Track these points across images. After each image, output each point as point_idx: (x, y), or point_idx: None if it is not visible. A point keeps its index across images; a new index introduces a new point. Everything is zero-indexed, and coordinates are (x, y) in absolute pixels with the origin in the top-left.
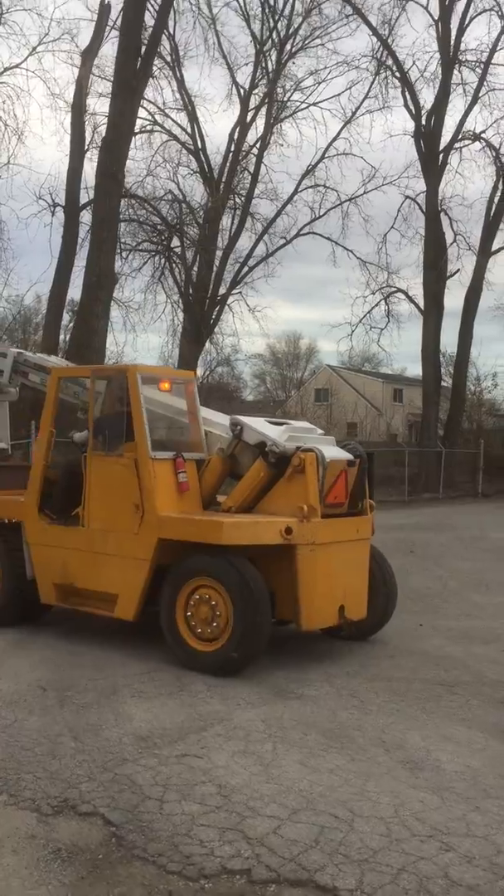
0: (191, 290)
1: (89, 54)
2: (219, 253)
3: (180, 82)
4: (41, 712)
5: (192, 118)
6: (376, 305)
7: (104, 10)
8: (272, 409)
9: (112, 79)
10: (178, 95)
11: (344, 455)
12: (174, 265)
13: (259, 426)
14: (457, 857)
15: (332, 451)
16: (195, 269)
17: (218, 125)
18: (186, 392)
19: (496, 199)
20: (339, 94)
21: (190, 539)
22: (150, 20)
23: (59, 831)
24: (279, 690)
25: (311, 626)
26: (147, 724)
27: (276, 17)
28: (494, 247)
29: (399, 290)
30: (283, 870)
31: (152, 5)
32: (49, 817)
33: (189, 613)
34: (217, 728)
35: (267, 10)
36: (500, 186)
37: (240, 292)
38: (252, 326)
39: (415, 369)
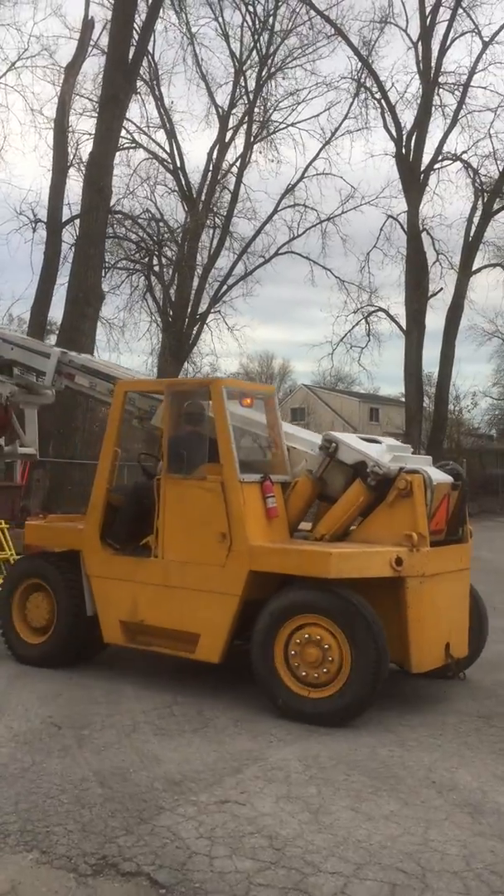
0: (170, 309)
1: (72, 69)
2: (198, 271)
3: (159, 100)
4: (60, 754)
5: (171, 136)
6: (357, 324)
7: (87, 26)
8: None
9: (92, 95)
10: (157, 113)
11: (446, 477)
12: (153, 284)
13: (357, 444)
14: None
15: (436, 473)
16: (174, 287)
17: (197, 143)
18: (267, 407)
19: (475, 220)
20: (318, 115)
21: (289, 572)
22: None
23: (103, 895)
24: (308, 725)
25: (423, 667)
26: (177, 766)
27: (256, 37)
28: (475, 266)
29: (380, 308)
30: None
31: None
32: (89, 878)
33: (293, 653)
34: (253, 769)
35: (246, 30)
36: (479, 207)
37: (219, 311)
38: (230, 346)
39: (388, 389)
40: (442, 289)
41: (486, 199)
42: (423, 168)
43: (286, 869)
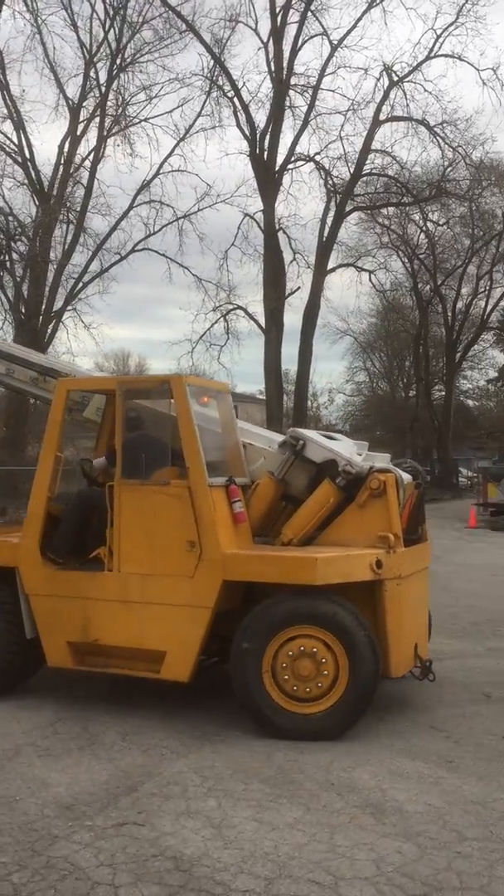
0: (23, 307)
1: None
2: (53, 267)
3: (6, 89)
4: None
5: (20, 127)
6: (216, 322)
7: None
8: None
9: None
10: (3, 103)
11: (408, 476)
12: (5, 280)
13: (325, 441)
14: None
15: (402, 473)
16: (27, 284)
17: (49, 135)
18: (222, 404)
19: (328, 220)
20: (171, 111)
21: (271, 580)
22: None
23: None
24: (200, 733)
25: (400, 671)
26: (66, 788)
27: (107, 29)
28: (329, 266)
29: (239, 307)
30: None
31: None
32: None
33: (283, 666)
34: (148, 786)
35: (97, 22)
36: (332, 208)
37: (74, 308)
38: (87, 345)
39: (245, 386)
40: (300, 287)
41: (338, 200)
42: (277, 168)
43: (195, 891)
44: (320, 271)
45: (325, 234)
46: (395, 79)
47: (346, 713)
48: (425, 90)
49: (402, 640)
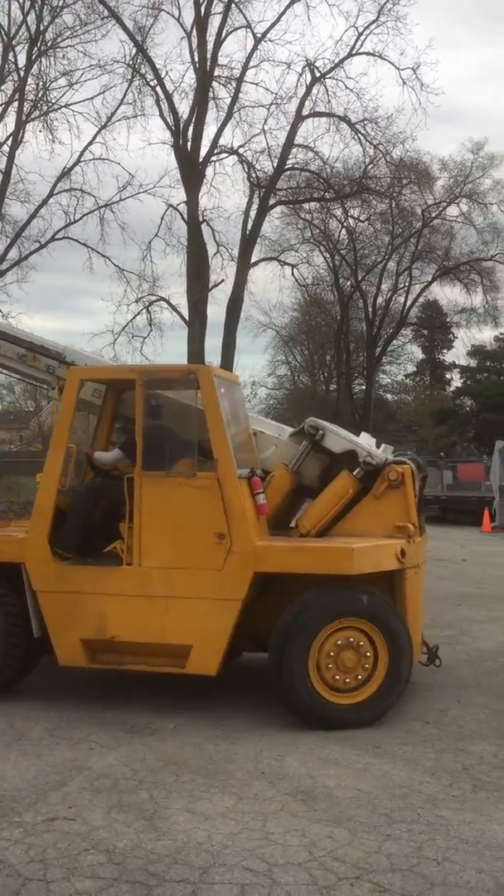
0: None
1: None
2: None
3: None
4: None
5: None
6: (139, 314)
7: None
8: (25, 420)
9: None
10: None
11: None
12: None
13: (344, 432)
14: None
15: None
16: None
17: None
18: (235, 395)
19: (252, 214)
20: (92, 98)
21: (305, 571)
22: None
23: None
24: (130, 727)
25: (416, 658)
26: None
27: (25, 11)
28: (252, 259)
29: (162, 298)
30: None
31: None
32: None
33: (330, 656)
34: (78, 780)
35: (15, 3)
36: (255, 201)
37: None
38: None
39: None
40: (223, 280)
41: (261, 194)
42: (200, 159)
43: (130, 884)
44: (244, 264)
45: (249, 227)
46: (318, 75)
47: (382, 702)
48: (347, 87)
49: (417, 627)
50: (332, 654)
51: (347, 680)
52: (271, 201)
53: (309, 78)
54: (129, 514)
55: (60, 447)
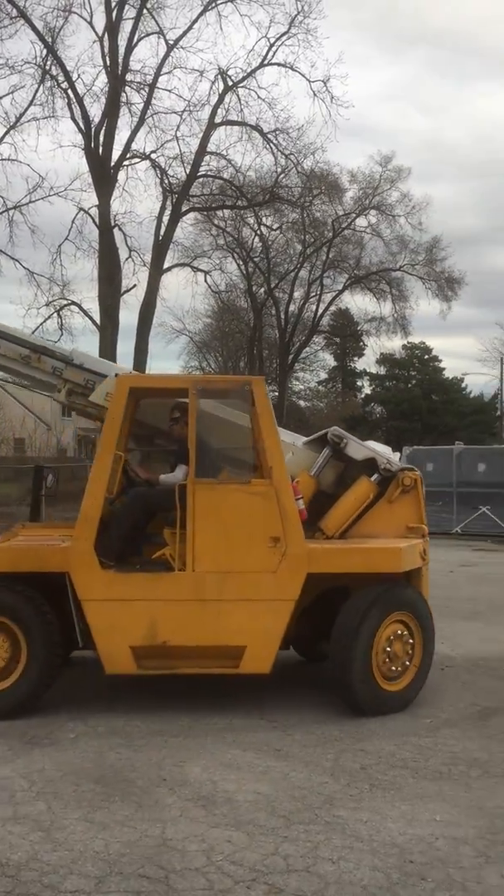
0: None
1: None
2: None
3: None
4: None
5: None
6: (49, 318)
7: None
8: None
9: None
10: None
11: None
12: None
13: (363, 441)
14: None
15: None
16: None
17: None
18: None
19: (164, 220)
20: (1, 98)
21: (355, 570)
22: None
23: None
24: (29, 738)
25: None
26: None
27: None
28: (165, 265)
29: (73, 302)
30: None
31: None
32: None
33: (386, 648)
34: None
35: None
36: (168, 207)
37: None
38: None
39: None
40: (136, 285)
41: (174, 200)
42: (112, 164)
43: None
44: (156, 270)
45: (162, 233)
46: (230, 83)
47: (417, 685)
48: (259, 97)
49: None
50: (386, 646)
51: (395, 668)
52: (184, 207)
53: (221, 86)
54: (179, 521)
55: (108, 454)
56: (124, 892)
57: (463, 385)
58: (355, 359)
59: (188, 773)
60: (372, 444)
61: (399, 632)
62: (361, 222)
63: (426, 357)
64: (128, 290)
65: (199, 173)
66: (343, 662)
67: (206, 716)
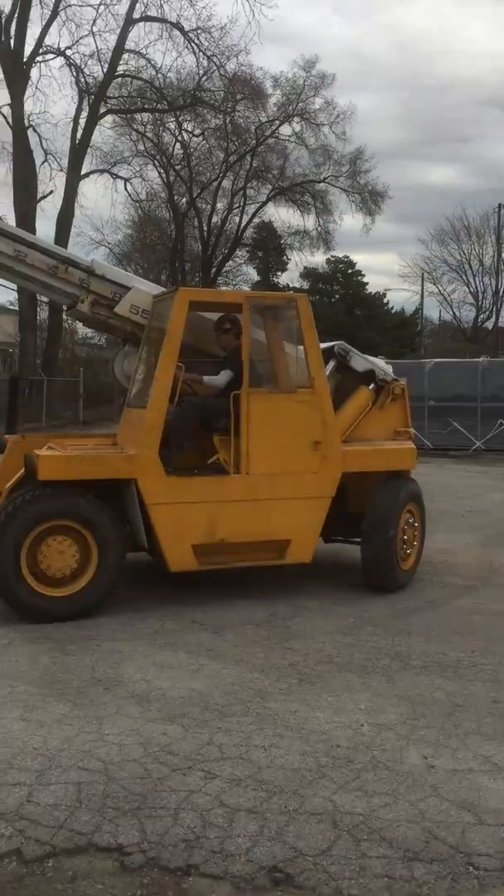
0: None
1: None
2: None
3: None
4: None
5: None
6: None
7: None
8: None
9: None
10: None
11: None
12: None
13: (363, 355)
14: (223, 782)
15: None
16: None
17: None
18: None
19: (81, 122)
20: None
21: (378, 469)
22: None
23: None
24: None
25: None
26: None
27: None
28: (84, 170)
29: None
30: (55, 840)
31: None
32: None
33: (405, 538)
34: None
35: None
36: (85, 108)
37: None
38: None
39: None
40: (52, 191)
41: (91, 101)
42: (24, 59)
43: None
44: (74, 175)
45: (79, 136)
46: None
47: (416, 568)
48: None
49: None
50: (403, 531)
51: (408, 550)
52: (102, 109)
53: None
54: (233, 428)
55: (170, 366)
56: (65, 783)
57: (385, 301)
58: (279, 273)
59: (122, 674)
60: (370, 357)
61: (409, 519)
62: (285, 130)
63: (349, 271)
64: (44, 197)
65: (117, 73)
66: (381, 545)
67: (138, 620)
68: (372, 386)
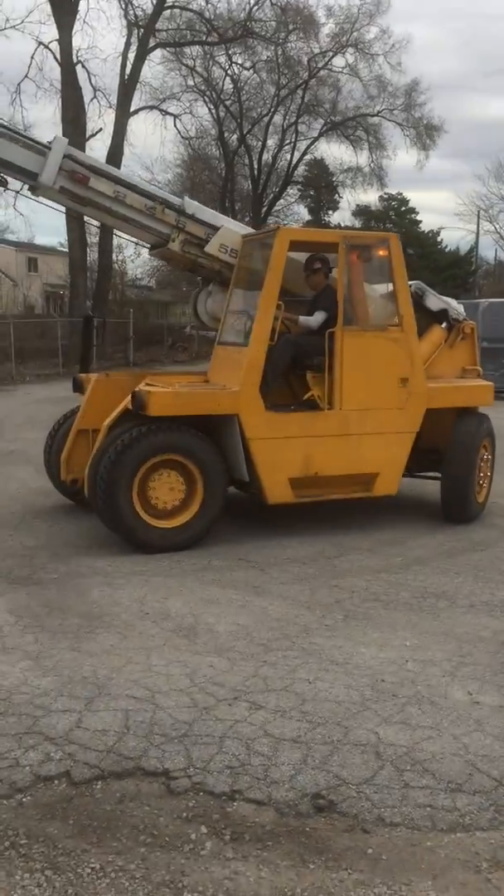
0: None
1: None
2: None
3: None
4: None
5: None
6: None
7: None
8: None
9: None
10: None
11: None
12: None
13: (438, 295)
14: (268, 713)
15: None
16: None
17: None
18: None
19: (130, 57)
20: None
21: (462, 405)
22: None
23: None
24: (14, 578)
25: None
26: None
27: None
28: (133, 107)
29: None
30: (104, 764)
31: None
32: None
33: (480, 472)
34: None
35: None
36: (134, 42)
37: None
38: None
39: (44, 238)
40: (101, 129)
41: (140, 34)
42: None
43: (16, 716)
44: (123, 112)
45: (128, 71)
46: None
47: (486, 501)
48: None
49: None
50: (481, 466)
51: (482, 483)
52: (151, 43)
53: None
54: (328, 366)
55: (271, 304)
56: (113, 710)
57: (439, 239)
58: (330, 212)
59: (170, 608)
60: (444, 297)
61: (485, 455)
62: (338, 62)
63: (403, 209)
64: (93, 135)
65: (167, 4)
66: (461, 478)
67: (185, 557)
68: (444, 325)
